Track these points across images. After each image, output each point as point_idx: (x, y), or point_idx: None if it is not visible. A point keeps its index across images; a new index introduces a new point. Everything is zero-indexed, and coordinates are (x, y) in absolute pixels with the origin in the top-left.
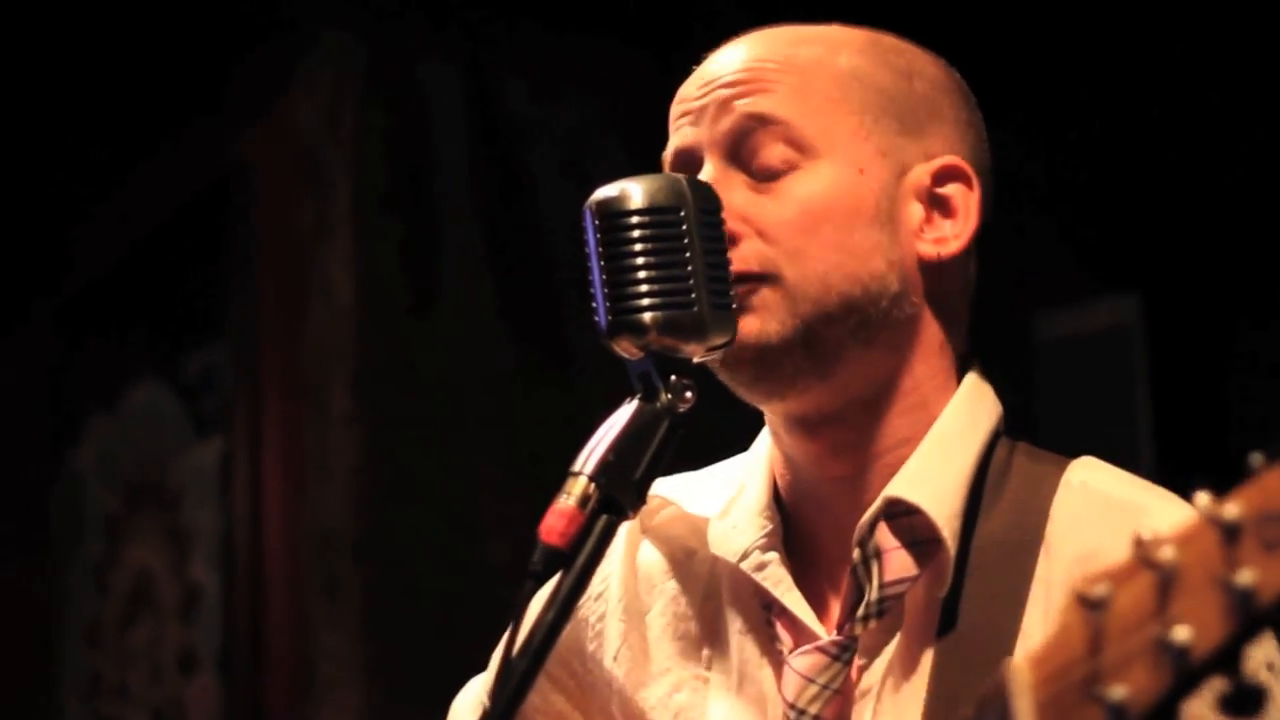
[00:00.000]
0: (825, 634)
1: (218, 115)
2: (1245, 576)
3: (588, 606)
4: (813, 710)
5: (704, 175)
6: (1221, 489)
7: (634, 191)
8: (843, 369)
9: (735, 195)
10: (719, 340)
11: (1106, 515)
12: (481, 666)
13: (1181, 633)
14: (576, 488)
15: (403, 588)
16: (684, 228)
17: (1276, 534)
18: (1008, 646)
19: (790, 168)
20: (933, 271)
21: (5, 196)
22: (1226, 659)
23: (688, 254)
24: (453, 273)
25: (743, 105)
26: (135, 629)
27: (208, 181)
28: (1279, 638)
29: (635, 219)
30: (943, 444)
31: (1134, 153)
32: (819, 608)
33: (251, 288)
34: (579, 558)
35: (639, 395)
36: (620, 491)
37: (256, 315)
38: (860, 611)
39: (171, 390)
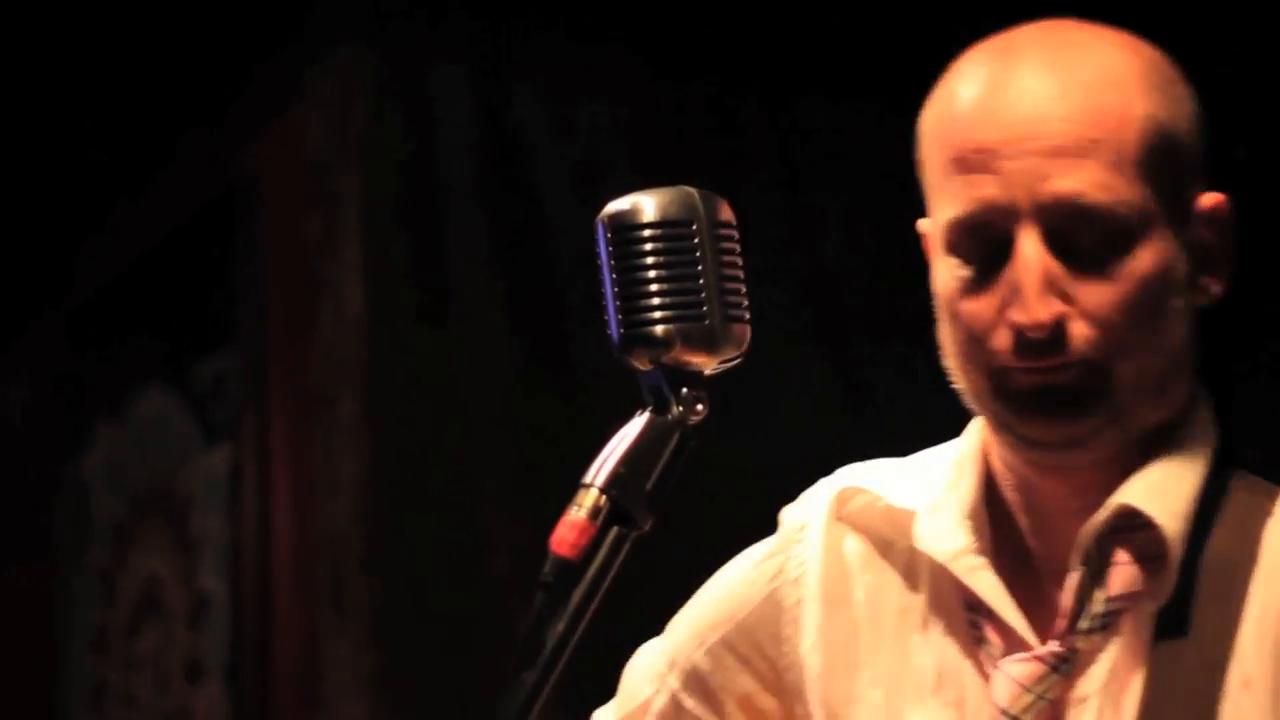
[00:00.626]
0: (1037, 642)
1: (227, 125)
2: None
3: (784, 590)
4: (1025, 719)
5: (1024, 250)
6: None
7: (646, 205)
8: (1137, 428)
9: (1059, 273)
10: (731, 353)
11: None
12: (489, 677)
13: None
14: (588, 499)
15: (410, 598)
16: (696, 240)
17: None
18: (1223, 664)
19: (1123, 248)
20: (1194, 320)
21: (14, 205)
22: None
23: (700, 267)
24: (461, 283)
25: (1067, 171)
26: (142, 637)
27: (217, 190)
28: None
29: (648, 232)
30: (1177, 461)
31: None
32: (1031, 614)
33: (260, 296)
34: (589, 569)
35: (650, 408)
36: (632, 504)
37: (265, 324)
38: (1085, 625)
39: (180, 399)
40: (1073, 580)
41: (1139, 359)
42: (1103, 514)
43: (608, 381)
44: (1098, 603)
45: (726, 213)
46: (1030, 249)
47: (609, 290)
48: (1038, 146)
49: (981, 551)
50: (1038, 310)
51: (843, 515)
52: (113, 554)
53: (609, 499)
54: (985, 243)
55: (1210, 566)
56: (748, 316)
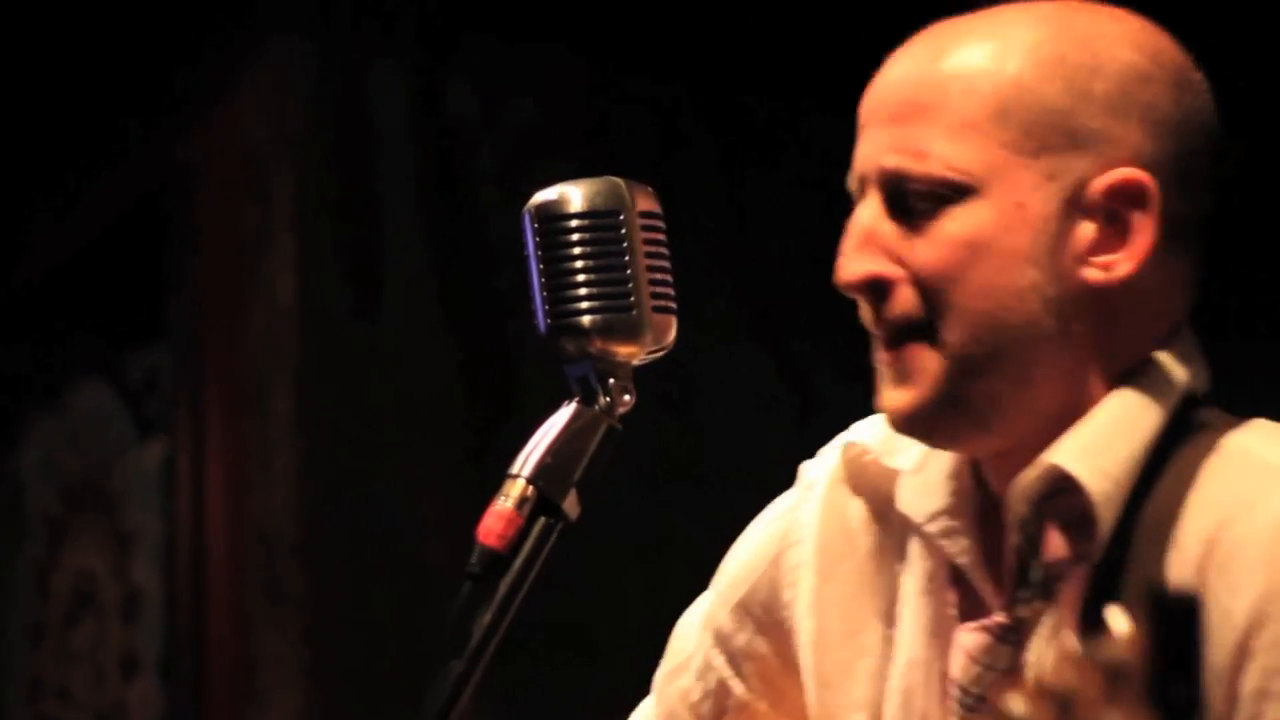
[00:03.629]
0: (998, 609)
1: (162, 117)
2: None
3: (787, 553)
4: (976, 691)
5: (864, 216)
6: None
7: (573, 195)
8: (1003, 415)
9: (889, 237)
10: (657, 344)
11: (1243, 481)
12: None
13: None
14: (514, 490)
15: (344, 590)
16: (623, 231)
17: (1140, 687)
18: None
19: (943, 207)
20: (1107, 294)
21: None
22: None
23: (626, 258)
24: (395, 276)
25: (897, 137)
26: (77, 631)
27: (151, 183)
28: None
29: (574, 222)
30: (1117, 416)
31: None
32: (1002, 582)
33: (194, 290)
34: (516, 559)
35: (577, 398)
36: (558, 494)
37: (199, 317)
38: (1024, 594)
39: (114, 392)
40: (1011, 547)
41: (969, 325)
42: (1031, 473)
43: (541, 371)
44: (1035, 569)
45: (653, 203)
46: (863, 211)
47: (535, 280)
48: (883, 115)
49: (959, 513)
50: (845, 268)
51: (848, 476)
52: (46, 548)
53: (535, 489)
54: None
55: (1149, 520)
56: (674, 308)
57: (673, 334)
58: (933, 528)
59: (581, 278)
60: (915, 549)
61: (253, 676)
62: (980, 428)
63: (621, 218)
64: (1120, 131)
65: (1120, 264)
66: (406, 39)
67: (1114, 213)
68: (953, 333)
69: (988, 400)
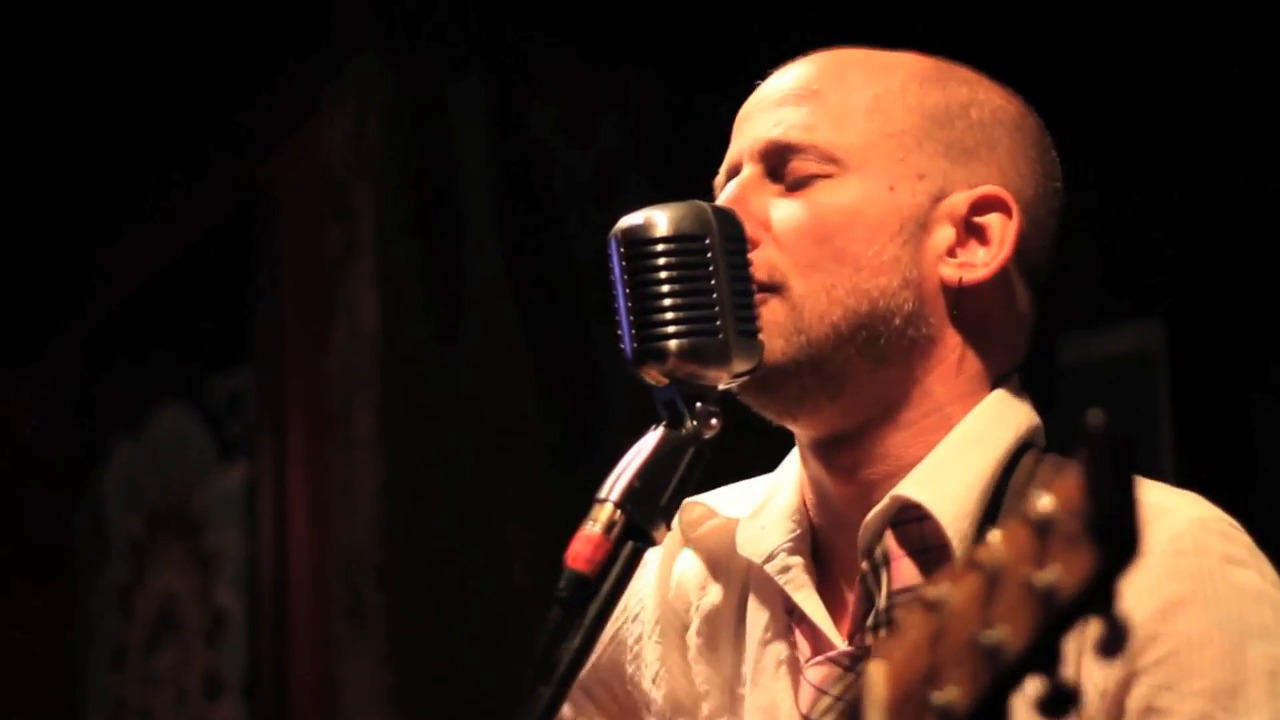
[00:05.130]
0: (841, 642)
1: (244, 140)
2: (1048, 574)
3: (626, 628)
4: None
5: (739, 179)
6: (1245, 516)
7: (659, 219)
8: (852, 389)
9: (760, 201)
10: (743, 367)
11: None
12: (506, 691)
13: (995, 633)
14: (603, 514)
15: (427, 612)
16: (709, 255)
17: (1077, 529)
18: None
19: (819, 178)
20: (958, 295)
21: (33, 221)
22: (1042, 657)
23: (712, 281)
24: (477, 298)
25: (782, 115)
26: (160, 654)
27: (233, 206)
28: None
29: (660, 247)
30: (957, 450)
31: (1158, 174)
32: (840, 619)
33: (276, 312)
34: (605, 584)
35: (664, 422)
36: (646, 518)
37: (281, 340)
38: (870, 620)
39: (197, 415)
40: (858, 575)
41: (821, 282)
42: (880, 507)
43: (624, 393)
44: (881, 598)
45: (737, 226)
46: (737, 181)
47: (622, 305)
48: (770, 102)
49: (796, 552)
50: None
51: (691, 539)
52: (130, 571)
53: (623, 513)
54: None
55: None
56: (759, 330)
57: (759, 358)
58: (772, 566)
59: (668, 302)
60: (753, 603)
61: (336, 698)
62: (828, 395)
63: (707, 241)
64: (989, 156)
65: (977, 268)
66: (486, 58)
67: (974, 225)
68: (814, 295)
69: (840, 366)
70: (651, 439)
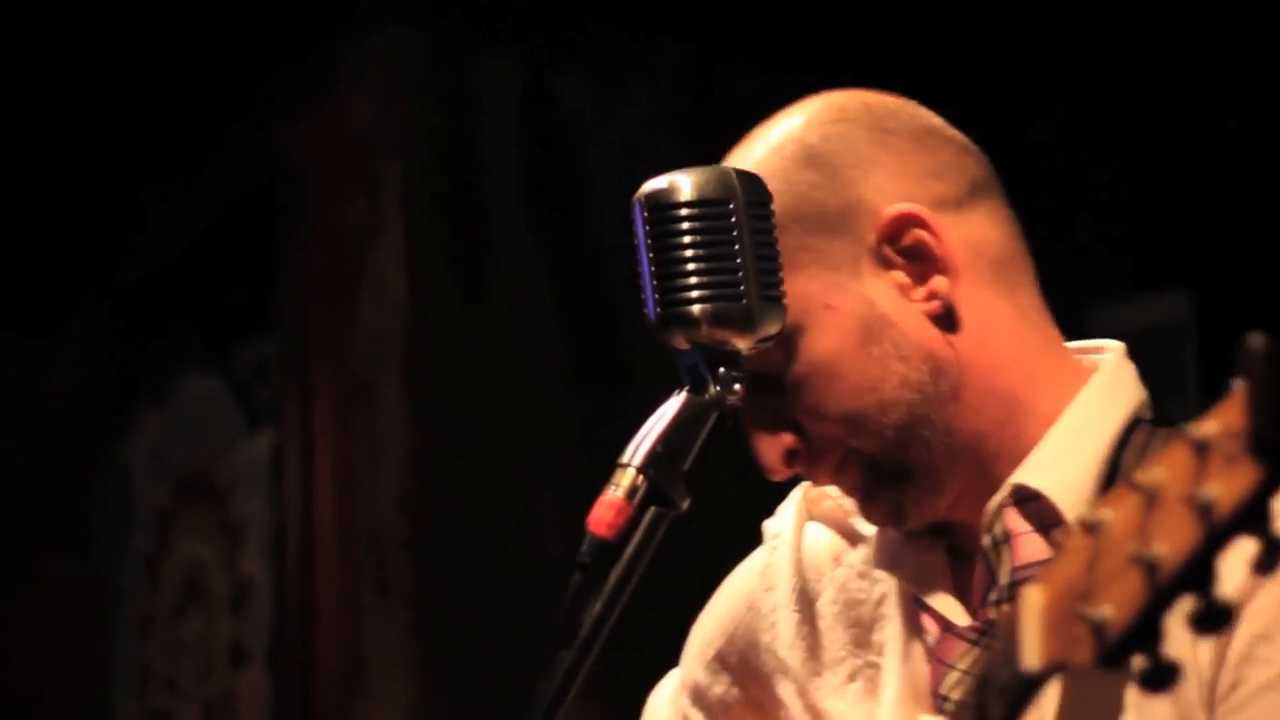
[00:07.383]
0: (967, 619)
1: (271, 112)
2: (1208, 490)
3: (761, 597)
4: (955, 696)
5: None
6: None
7: (683, 183)
8: (945, 469)
9: (767, 412)
10: (767, 332)
11: None
12: (534, 660)
13: (1152, 549)
14: (625, 479)
15: (453, 582)
16: (733, 220)
17: (1237, 448)
18: None
19: (780, 356)
20: (954, 317)
21: (61, 190)
22: (1198, 573)
23: (737, 246)
24: (504, 267)
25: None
26: (186, 622)
27: (261, 177)
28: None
29: (684, 211)
30: (1071, 431)
31: (1184, 146)
32: (965, 595)
33: (303, 282)
34: (627, 549)
35: (687, 387)
36: (668, 483)
37: (308, 309)
38: (993, 596)
39: (223, 383)
40: (980, 551)
41: (862, 423)
42: (1000, 494)
43: (652, 361)
44: (1004, 574)
45: (762, 192)
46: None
47: (645, 270)
48: None
49: (921, 535)
50: (766, 468)
51: (816, 513)
52: (156, 539)
53: (646, 479)
54: None
55: None
56: (783, 297)
57: (783, 323)
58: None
59: (692, 266)
60: (882, 574)
61: (361, 667)
62: (934, 491)
63: (731, 206)
64: (873, 185)
65: (938, 282)
66: (515, 31)
67: (905, 250)
68: (858, 439)
69: (924, 465)
70: (674, 404)
